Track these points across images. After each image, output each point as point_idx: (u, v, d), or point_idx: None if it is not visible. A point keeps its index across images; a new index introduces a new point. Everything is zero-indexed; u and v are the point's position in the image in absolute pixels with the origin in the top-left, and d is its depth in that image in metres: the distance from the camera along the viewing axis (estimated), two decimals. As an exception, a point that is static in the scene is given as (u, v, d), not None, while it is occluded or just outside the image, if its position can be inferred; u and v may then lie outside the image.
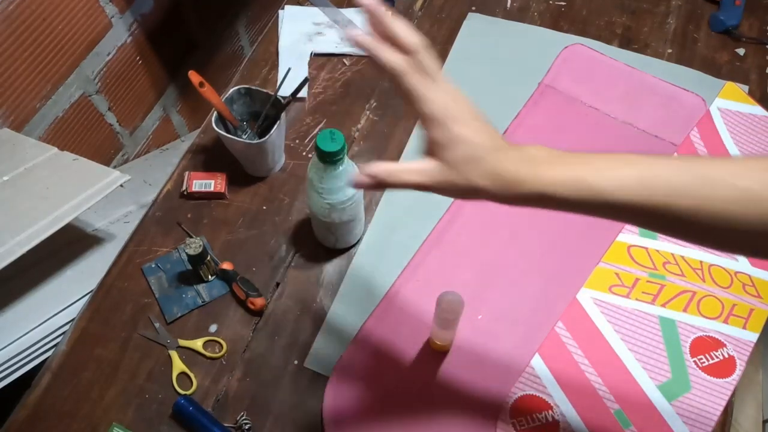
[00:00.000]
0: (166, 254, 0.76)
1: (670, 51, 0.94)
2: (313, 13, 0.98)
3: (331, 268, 0.75)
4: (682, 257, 0.74)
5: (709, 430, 0.63)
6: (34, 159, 0.79)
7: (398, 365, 0.68)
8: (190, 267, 0.72)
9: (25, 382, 0.69)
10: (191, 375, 0.67)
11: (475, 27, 0.97)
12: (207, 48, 1.27)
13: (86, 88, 0.97)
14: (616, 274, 0.73)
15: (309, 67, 0.92)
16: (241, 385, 0.67)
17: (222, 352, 0.69)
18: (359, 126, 0.87)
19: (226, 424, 0.64)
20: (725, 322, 0.70)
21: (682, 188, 0.40)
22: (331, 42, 0.95)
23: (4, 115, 0.84)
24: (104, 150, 1.06)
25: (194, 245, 0.68)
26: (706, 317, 0.70)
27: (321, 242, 0.76)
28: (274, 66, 0.93)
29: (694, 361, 0.67)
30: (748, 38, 0.95)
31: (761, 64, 0.93)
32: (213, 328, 0.71)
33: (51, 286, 0.78)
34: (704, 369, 0.67)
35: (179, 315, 0.71)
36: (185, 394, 0.66)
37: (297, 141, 0.85)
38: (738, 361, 0.67)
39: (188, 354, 0.69)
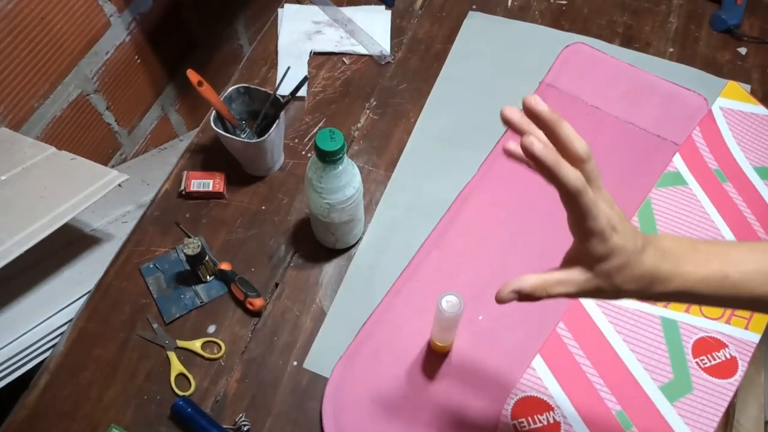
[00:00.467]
0: (164, 254, 0.75)
1: (671, 50, 0.94)
2: (313, 11, 0.98)
3: (331, 268, 0.75)
4: (684, 257, 0.74)
5: (710, 431, 0.63)
6: (32, 158, 0.78)
7: (398, 366, 0.67)
8: (188, 267, 0.72)
9: (24, 382, 0.68)
10: (190, 376, 0.67)
11: (476, 26, 0.97)
12: (206, 47, 1.27)
13: (84, 87, 0.97)
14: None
15: (308, 66, 0.92)
16: (240, 386, 0.67)
17: (221, 353, 0.68)
18: (359, 125, 0.87)
19: (224, 426, 0.64)
20: (727, 322, 0.69)
21: None
22: (331, 40, 0.95)
23: (2, 114, 0.84)
24: (102, 149, 1.06)
25: (193, 245, 0.68)
26: (708, 318, 0.69)
27: (321, 242, 0.75)
28: (274, 65, 0.92)
29: (696, 362, 0.67)
30: (750, 37, 0.95)
31: (763, 63, 0.93)
32: (211, 328, 0.70)
33: (49, 286, 0.77)
34: (706, 370, 0.67)
35: (178, 315, 0.71)
36: (184, 395, 0.65)
37: (296, 140, 0.85)
38: (740, 362, 0.67)
39: (187, 355, 0.69)
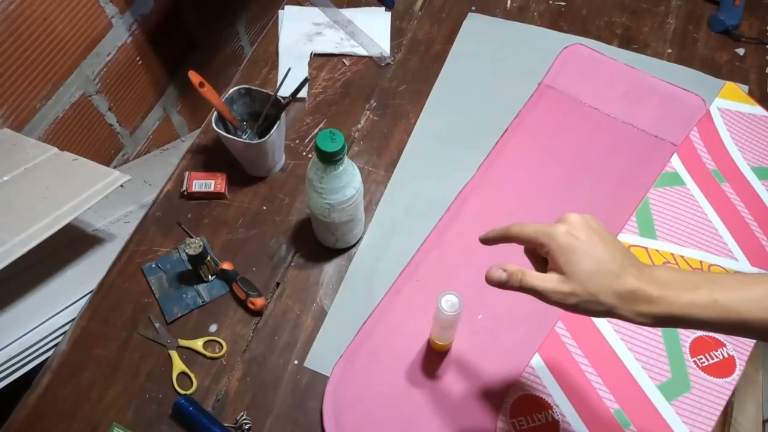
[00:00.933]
0: (166, 254, 0.76)
1: (669, 51, 0.94)
2: (313, 13, 0.99)
3: (331, 268, 0.75)
4: (682, 257, 0.74)
5: (708, 430, 0.63)
6: (34, 159, 0.79)
7: (398, 365, 0.68)
8: (190, 267, 0.72)
9: (26, 382, 0.69)
10: (191, 375, 0.67)
11: (475, 27, 0.97)
12: (207, 48, 1.27)
13: (86, 88, 0.97)
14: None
15: (309, 67, 0.93)
16: (241, 384, 0.67)
17: (222, 352, 0.69)
18: (359, 126, 0.87)
19: (226, 424, 0.64)
20: (725, 321, 0.69)
21: None
22: (331, 42, 0.95)
23: (4, 115, 0.84)
24: (104, 150, 1.06)
25: (194, 245, 0.68)
26: (706, 317, 0.70)
27: (321, 242, 0.76)
28: (274, 66, 0.93)
29: (694, 361, 0.67)
30: (748, 38, 0.95)
31: (761, 63, 0.93)
32: (213, 328, 0.71)
33: (51, 286, 0.78)
34: (704, 369, 0.67)
35: (179, 315, 0.71)
36: (185, 394, 0.66)
37: (297, 141, 0.85)
38: (738, 361, 0.67)
39: (188, 354, 0.69)
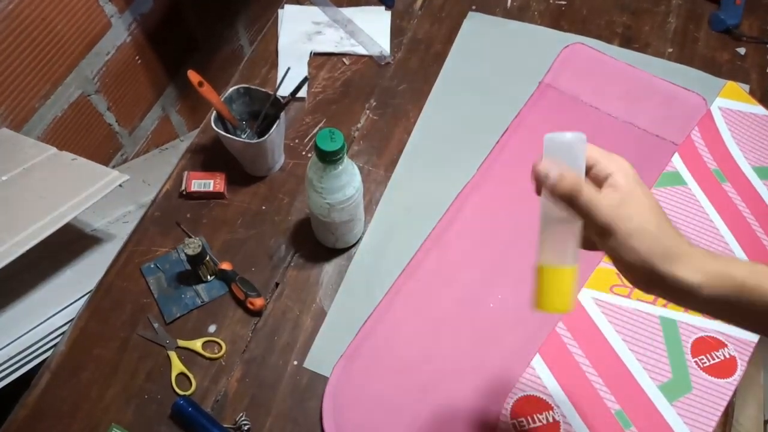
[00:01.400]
0: (165, 254, 0.75)
1: (670, 50, 0.94)
2: (313, 12, 0.98)
3: (330, 268, 0.75)
4: (683, 257, 0.74)
5: (709, 431, 0.63)
6: (33, 159, 0.78)
7: (398, 366, 0.67)
8: (189, 267, 0.72)
9: (25, 382, 0.68)
10: (190, 375, 0.67)
11: (476, 26, 0.97)
12: (206, 47, 1.27)
13: (85, 87, 0.97)
14: (617, 274, 0.72)
15: (308, 67, 0.92)
16: (241, 385, 0.67)
17: (221, 353, 0.69)
18: (359, 125, 0.87)
19: (225, 425, 0.64)
20: (726, 322, 0.69)
21: None
22: (331, 41, 0.95)
23: (3, 114, 0.84)
24: (103, 150, 1.06)
25: (193, 245, 0.68)
26: (707, 317, 0.70)
27: (321, 242, 0.75)
28: (274, 65, 0.93)
29: (695, 362, 0.67)
30: (749, 37, 0.95)
31: (762, 63, 0.93)
32: (212, 328, 0.71)
33: (50, 286, 0.78)
34: (705, 369, 0.67)
35: (178, 315, 0.71)
36: (184, 395, 0.65)
37: (296, 140, 0.85)
38: (739, 362, 0.67)
39: (187, 354, 0.69)
